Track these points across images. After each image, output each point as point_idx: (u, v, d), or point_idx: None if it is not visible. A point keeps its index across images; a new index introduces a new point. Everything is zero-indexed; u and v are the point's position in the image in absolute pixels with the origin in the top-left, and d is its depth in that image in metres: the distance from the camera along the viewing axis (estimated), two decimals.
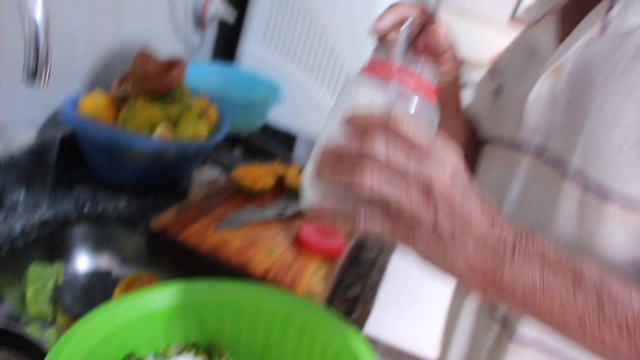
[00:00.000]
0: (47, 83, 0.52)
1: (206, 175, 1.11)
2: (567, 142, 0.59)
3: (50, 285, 0.87)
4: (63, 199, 0.97)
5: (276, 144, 1.39)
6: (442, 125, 0.65)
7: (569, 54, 0.62)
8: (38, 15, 0.48)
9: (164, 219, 0.89)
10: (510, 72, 0.77)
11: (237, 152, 1.29)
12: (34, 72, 0.50)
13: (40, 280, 0.87)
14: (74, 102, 0.99)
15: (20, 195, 0.93)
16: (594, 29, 0.61)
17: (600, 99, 0.57)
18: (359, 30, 1.26)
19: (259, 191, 1.03)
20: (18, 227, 0.87)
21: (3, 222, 0.87)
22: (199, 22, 1.45)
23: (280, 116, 1.41)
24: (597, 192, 0.55)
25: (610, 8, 0.60)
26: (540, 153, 0.63)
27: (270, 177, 1.06)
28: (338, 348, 0.61)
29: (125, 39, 1.16)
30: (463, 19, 2.28)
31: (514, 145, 0.67)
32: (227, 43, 1.57)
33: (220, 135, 1.08)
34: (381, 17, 0.62)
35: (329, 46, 1.35)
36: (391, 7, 0.63)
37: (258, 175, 1.04)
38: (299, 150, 1.36)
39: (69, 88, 1.04)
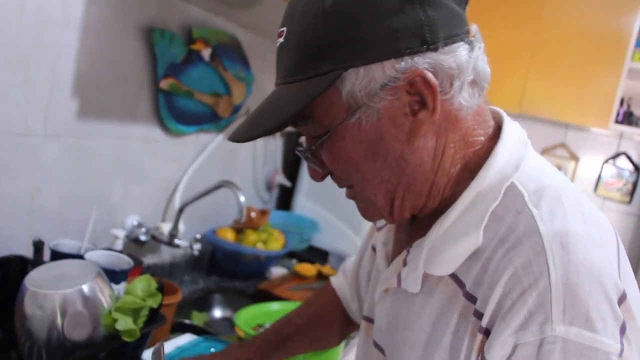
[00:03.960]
0: (241, 220, 1.47)
1: (277, 270, 2.00)
2: (389, 349, 0.76)
3: (201, 323, 1.74)
4: (207, 279, 1.87)
5: (316, 257, 2.29)
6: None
7: (387, 285, 0.75)
8: (242, 198, 1.45)
9: (262, 286, 1.79)
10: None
11: (294, 261, 2.20)
12: (239, 220, 1.45)
13: (197, 319, 1.75)
14: (213, 231, 1.94)
15: (188, 276, 1.84)
16: (395, 280, 0.73)
17: (400, 340, 0.72)
18: None
19: (308, 276, 1.93)
20: (186, 291, 1.77)
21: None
22: (269, 186, 2.43)
23: (318, 240, 2.34)
24: None
25: (404, 264, 0.72)
26: (376, 344, 0.80)
27: (314, 269, 1.96)
28: None
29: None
30: None
31: (371, 321, 0.85)
32: (285, 199, 2.54)
33: (286, 250, 1.99)
34: None
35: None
36: None
37: (307, 268, 1.95)
38: (330, 260, 2.27)
39: (213, 224, 1.99)
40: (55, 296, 0.92)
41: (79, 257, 1.16)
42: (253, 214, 1.94)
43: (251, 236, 1.91)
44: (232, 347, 1.00)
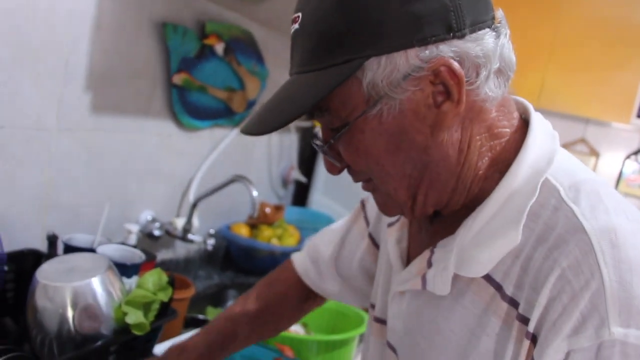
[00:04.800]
0: (254, 215, 1.46)
1: None
2: (405, 352, 0.73)
3: None
4: (222, 274, 1.87)
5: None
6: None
7: (408, 286, 0.72)
8: (255, 193, 1.44)
9: None
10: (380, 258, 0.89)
11: None
12: (252, 215, 1.44)
13: (212, 315, 1.74)
14: (227, 226, 1.94)
15: (203, 271, 1.84)
16: (418, 282, 0.70)
17: (424, 343, 0.69)
18: None
19: None
20: (201, 287, 1.77)
21: (193, 284, 1.77)
22: (285, 182, 2.42)
23: None
24: None
25: (429, 265, 0.69)
26: (390, 346, 0.78)
27: None
28: None
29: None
30: None
31: (384, 322, 0.82)
32: (301, 195, 2.54)
33: (302, 246, 1.98)
34: None
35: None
36: None
37: None
38: None
39: (228, 220, 1.99)
40: (65, 289, 0.92)
41: (92, 250, 1.16)
42: (268, 210, 1.94)
43: (266, 232, 1.90)
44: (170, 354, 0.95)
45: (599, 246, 0.55)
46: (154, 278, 1.06)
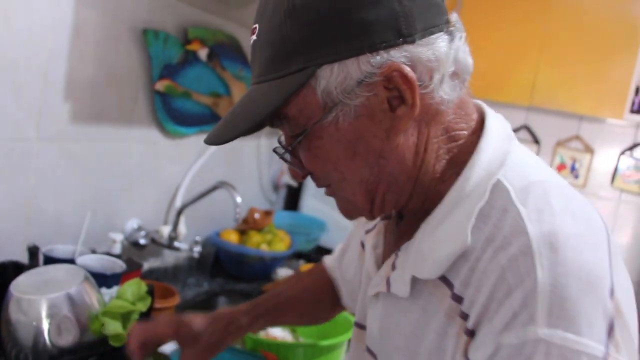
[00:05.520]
0: (237, 221, 1.45)
1: (284, 272, 1.98)
2: (381, 356, 0.75)
3: None
4: (212, 281, 1.86)
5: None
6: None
7: (378, 289, 0.74)
8: (239, 199, 1.43)
9: (267, 287, 1.77)
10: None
11: (301, 261, 2.17)
12: (236, 221, 1.43)
13: None
14: (217, 233, 1.92)
15: (192, 279, 1.83)
16: (384, 285, 0.72)
17: (391, 345, 0.71)
18: None
19: None
20: (191, 294, 1.75)
21: (182, 292, 1.76)
22: (276, 187, 2.41)
23: (326, 240, 2.31)
24: None
25: (393, 267, 0.71)
26: (370, 351, 0.78)
27: None
28: None
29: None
30: None
31: (363, 327, 0.83)
32: (292, 199, 2.52)
33: (291, 251, 1.97)
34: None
35: None
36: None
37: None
38: None
39: (218, 227, 1.98)
40: (39, 301, 0.91)
41: (72, 261, 1.15)
42: (257, 215, 1.93)
43: (255, 237, 1.89)
44: (220, 310, 0.99)
45: (538, 249, 0.56)
46: (132, 288, 1.05)
